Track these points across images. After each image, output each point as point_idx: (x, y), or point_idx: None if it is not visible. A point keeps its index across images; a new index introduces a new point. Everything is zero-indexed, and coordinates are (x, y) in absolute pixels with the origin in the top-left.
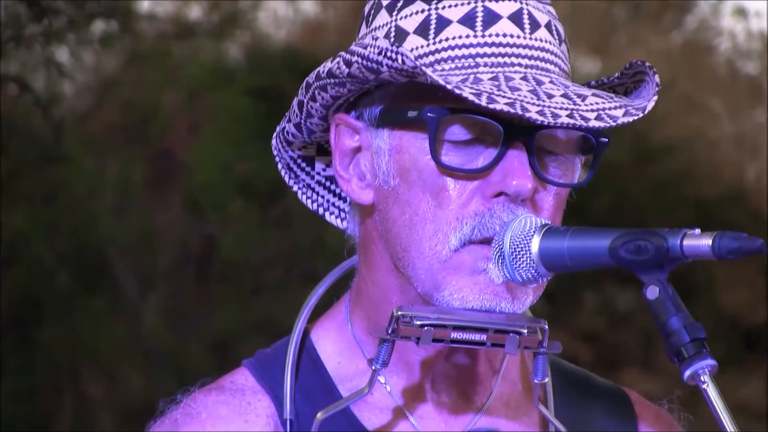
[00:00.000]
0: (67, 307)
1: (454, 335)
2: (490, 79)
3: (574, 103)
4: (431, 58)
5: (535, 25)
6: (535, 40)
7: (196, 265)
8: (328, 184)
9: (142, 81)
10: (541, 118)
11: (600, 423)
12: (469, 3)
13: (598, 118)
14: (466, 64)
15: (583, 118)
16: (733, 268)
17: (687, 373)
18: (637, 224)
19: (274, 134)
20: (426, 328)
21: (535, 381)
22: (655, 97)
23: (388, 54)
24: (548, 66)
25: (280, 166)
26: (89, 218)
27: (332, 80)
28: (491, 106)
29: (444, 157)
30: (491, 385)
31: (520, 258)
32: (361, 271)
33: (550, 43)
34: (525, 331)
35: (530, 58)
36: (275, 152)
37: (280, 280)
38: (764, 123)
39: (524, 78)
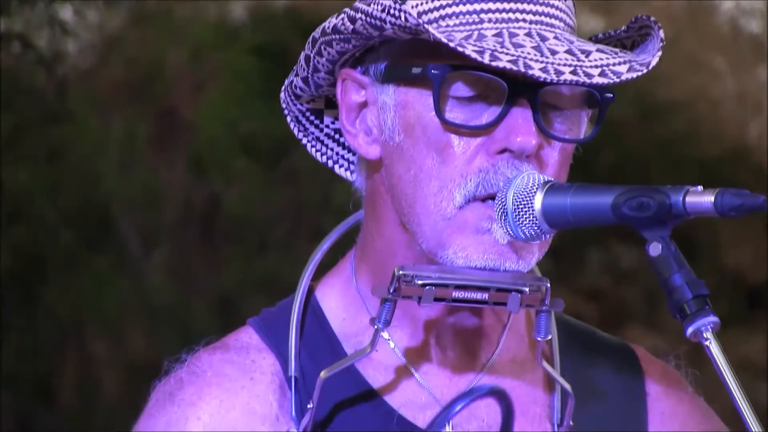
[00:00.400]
0: (71, 265)
1: (456, 294)
2: (494, 35)
3: (578, 59)
4: (435, 14)
5: None
6: (545, 3)
7: (201, 223)
8: (337, 136)
9: (146, 39)
10: (544, 75)
11: (606, 379)
12: None
13: (602, 74)
14: (470, 20)
15: (587, 75)
16: (736, 226)
17: (689, 329)
18: (641, 182)
19: (283, 87)
20: (427, 287)
21: (538, 338)
22: (659, 53)
23: (392, 11)
24: (553, 21)
25: (289, 119)
26: (93, 176)
27: (337, 36)
28: (494, 63)
29: (448, 114)
30: (498, 340)
31: (523, 215)
32: (368, 225)
33: (562, 8)
34: (527, 289)
35: (535, 13)
36: (284, 105)
37: (286, 237)
38: (766, 81)
39: (528, 34)
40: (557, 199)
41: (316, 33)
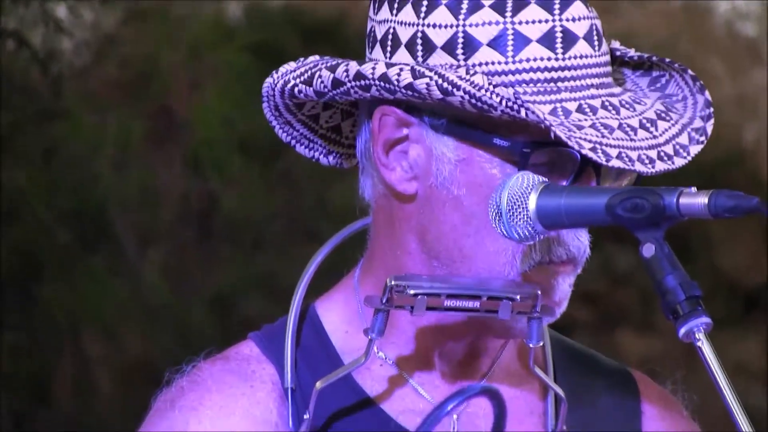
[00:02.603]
0: (67, 265)
1: (448, 303)
2: (576, 110)
3: (654, 137)
4: (510, 78)
5: (600, 40)
6: (602, 55)
7: (197, 223)
8: (309, 122)
9: (141, 38)
10: (644, 169)
11: (603, 401)
12: (547, 21)
13: (677, 154)
14: (548, 89)
15: (669, 158)
16: (732, 229)
17: (682, 330)
18: (637, 185)
19: (272, 83)
20: (419, 296)
21: (530, 345)
22: (711, 121)
23: (511, 104)
24: (609, 79)
25: (266, 103)
26: (89, 175)
27: (383, 84)
28: (609, 163)
29: None
30: (496, 354)
31: (517, 215)
32: (380, 243)
33: (608, 53)
34: (518, 297)
35: (598, 76)
36: (269, 90)
37: (282, 237)
38: (763, 85)
39: (604, 107)
40: (551, 199)
41: (366, 70)
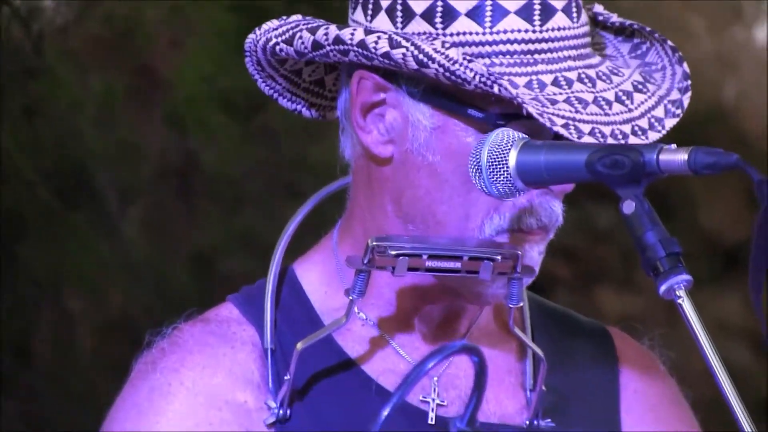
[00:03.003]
0: (48, 222)
1: (429, 264)
2: (552, 83)
3: (629, 110)
4: (488, 49)
5: (579, 12)
6: (580, 26)
7: (178, 180)
8: (292, 77)
9: None
10: (612, 141)
11: (580, 360)
12: None
13: (651, 127)
14: (525, 61)
15: (643, 132)
16: (712, 186)
17: (662, 287)
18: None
19: (254, 38)
20: (401, 257)
21: (510, 305)
22: (688, 93)
23: (484, 80)
24: (587, 50)
25: (249, 61)
26: (70, 132)
27: (363, 51)
28: (581, 139)
29: None
30: (474, 315)
31: (497, 171)
32: (359, 203)
33: (587, 23)
34: (499, 257)
35: (576, 47)
36: (248, 45)
37: (263, 194)
38: (744, 42)
39: (580, 79)
40: (531, 156)
41: (344, 35)
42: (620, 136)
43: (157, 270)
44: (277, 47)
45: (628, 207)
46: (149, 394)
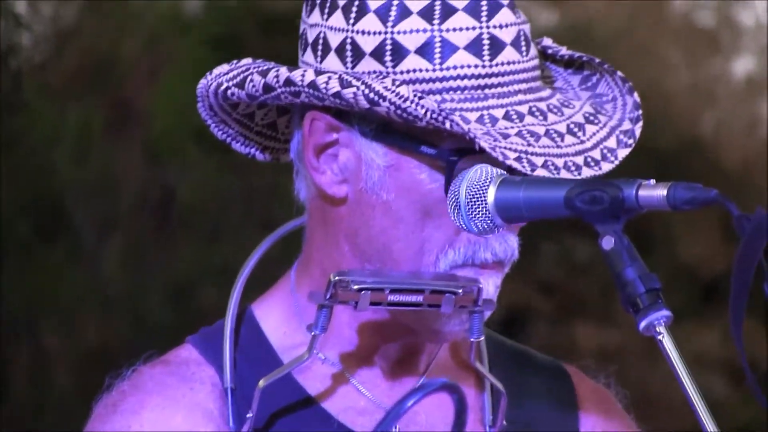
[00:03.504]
0: (25, 256)
1: (391, 298)
2: (503, 117)
3: (581, 141)
4: (438, 85)
5: (528, 46)
6: (530, 60)
7: (156, 212)
8: (244, 121)
9: (100, 29)
10: (569, 176)
11: (538, 399)
12: (474, 28)
13: (604, 158)
14: (476, 96)
15: (597, 164)
16: (690, 220)
17: (642, 324)
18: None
19: (206, 83)
20: (363, 291)
21: (471, 339)
22: (640, 123)
23: (435, 116)
24: (538, 83)
25: (200, 103)
26: (48, 166)
27: (315, 93)
28: (534, 172)
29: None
30: (433, 350)
31: (475, 208)
32: (316, 243)
33: (536, 56)
34: (460, 290)
35: (526, 81)
36: (200, 91)
37: (239, 226)
38: (720, 74)
39: (531, 113)
40: (510, 192)
41: (295, 77)
42: (573, 168)
43: (134, 302)
44: (228, 91)
45: (608, 243)
46: None
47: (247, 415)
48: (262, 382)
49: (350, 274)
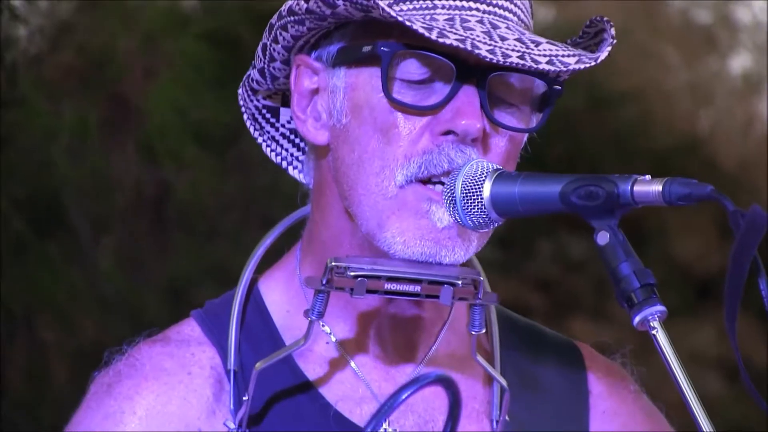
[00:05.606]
0: (21, 253)
1: (388, 286)
2: (445, 19)
3: (527, 47)
4: None
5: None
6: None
7: (151, 211)
8: (292, 137)
9: (96, 25)
10: (490, 56)
11: (549, 376)
12: None
13: (550, 62)
14: (424, 5)
15: (534, 61)
16: (685, 217)
17: (636, 318)
18: (592, 172)
19: (241, 83)
20: (359, 279)
21: (472, 332)
22: (609, 48)
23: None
24: (507, 14)
25: (246, 116)
26: (43, 162)
27: (292, 18)
28: (441, 40)
29: (396, 94)
30: (438, 334)
31: (471, 203)
32: (314, 216)
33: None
34: (459, 282)
35: (489, 4)
36: (241, 101)
37: (236, 225)
38: (717, 73)
39: (480, 21)
40: (506, 187)
41: (273, 18)
42: (500, 55)
43: (130, 300)
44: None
45: (603, 238)
46: (102, 422)
47: (244, 398)
48: (259, 365)
49: (348, 260)
